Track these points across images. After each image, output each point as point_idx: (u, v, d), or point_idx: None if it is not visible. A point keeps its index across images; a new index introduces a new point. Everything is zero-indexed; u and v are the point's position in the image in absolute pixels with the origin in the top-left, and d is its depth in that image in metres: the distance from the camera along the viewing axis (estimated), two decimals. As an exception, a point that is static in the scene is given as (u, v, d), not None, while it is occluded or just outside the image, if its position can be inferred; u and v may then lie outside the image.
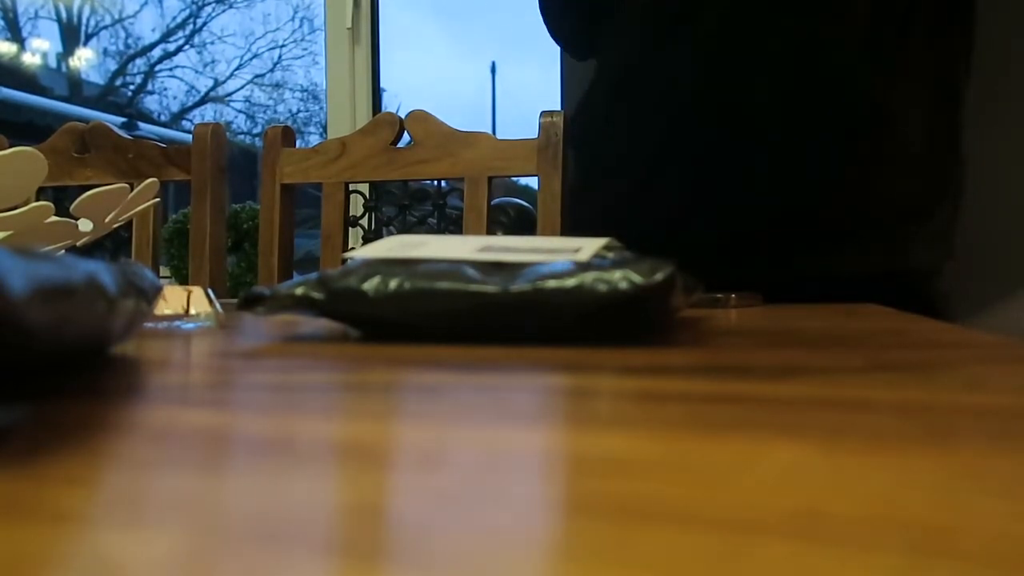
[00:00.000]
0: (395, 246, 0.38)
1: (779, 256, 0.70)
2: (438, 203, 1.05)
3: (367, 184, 1.17)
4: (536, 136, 0.96)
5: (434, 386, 0.20)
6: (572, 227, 0.89)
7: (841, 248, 0.70)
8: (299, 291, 0.34)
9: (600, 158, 0.81)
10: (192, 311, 0.44)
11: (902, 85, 0.70)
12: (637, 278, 0.30)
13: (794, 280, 0.65)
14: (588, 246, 0.35)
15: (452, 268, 0.33)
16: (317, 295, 0.34)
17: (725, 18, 0.71)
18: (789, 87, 0.69)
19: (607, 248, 0.36)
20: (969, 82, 0.73)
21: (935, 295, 0.73)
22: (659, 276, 0.30)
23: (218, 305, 0.45)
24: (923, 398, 0.18)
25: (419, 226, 1.06)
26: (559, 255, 0.34)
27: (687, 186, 0.73)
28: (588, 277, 0.30)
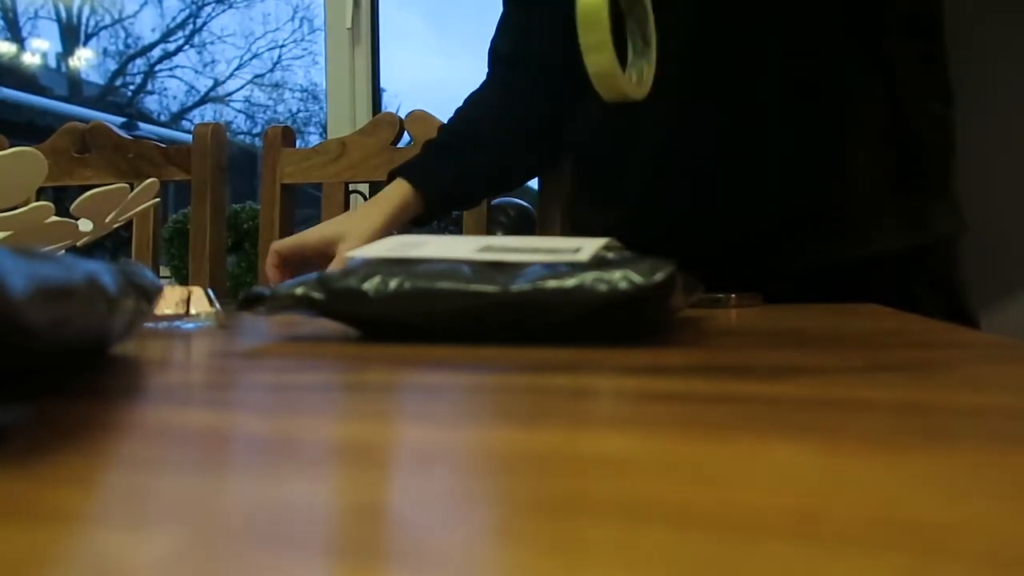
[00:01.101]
0: (395, 246, 0.38)
1: (780, 247, 0.70)
2: (438, 203, 1.05)
3: (367, 184, 1.17)
4: (536, 136, 0.96)
5: (434, 386, 0.20)
6: (572, 227, 0.89)
7: (841, 234, 0.70)
8: (299, 291, 0.34)
9: (600, 158, 0.81)
10: (192, 311, 0.44)
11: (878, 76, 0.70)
12: (637, 278, 0.30)
13: (796, 268, 0.65)
14: (588, 246, 0.35)
15: (452, 268, 0.33)
16: (317, 295, 0.34)
17: (720, 16, 0.71)
18: (787, 84, 0.69)
19: (607, 248, 0.36)
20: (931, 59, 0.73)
21: (951, 267, 0.73)
22: (659, 276, 0.30)
23: (218, 305, 0.45)
24: (923, 398, 0.18)
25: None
26: (559, 255, 0.34)
27: (687, 185, 0.73)
28: (588, 277, 0.30)
